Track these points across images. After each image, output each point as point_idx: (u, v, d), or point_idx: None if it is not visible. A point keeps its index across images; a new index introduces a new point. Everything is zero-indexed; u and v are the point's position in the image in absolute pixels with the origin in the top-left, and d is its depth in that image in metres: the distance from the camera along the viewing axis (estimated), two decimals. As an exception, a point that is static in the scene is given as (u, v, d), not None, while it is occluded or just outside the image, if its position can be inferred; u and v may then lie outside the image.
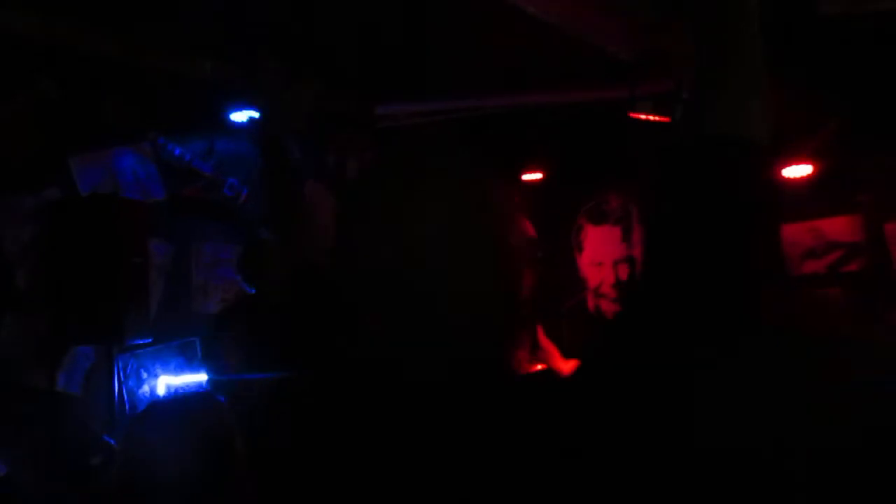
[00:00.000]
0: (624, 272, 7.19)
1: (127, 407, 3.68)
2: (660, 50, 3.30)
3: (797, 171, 4.92)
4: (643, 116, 3.48)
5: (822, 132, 4.76)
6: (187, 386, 3.39)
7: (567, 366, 4.37)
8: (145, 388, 3.89)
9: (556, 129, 5.65)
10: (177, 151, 4.05)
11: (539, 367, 4.34)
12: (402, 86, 4.93)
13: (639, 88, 3.41)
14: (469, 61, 4.65)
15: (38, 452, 3.14)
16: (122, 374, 3.65)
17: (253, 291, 3.32)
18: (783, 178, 4.99)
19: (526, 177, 6.06)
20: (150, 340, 3.35)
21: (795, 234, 5.24)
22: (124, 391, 3.67)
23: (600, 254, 6.92)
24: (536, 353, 4.42)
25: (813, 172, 5.01)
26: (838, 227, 5.18)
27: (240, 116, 4.20)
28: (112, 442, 3.14)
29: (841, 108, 4.76)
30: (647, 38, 3.28)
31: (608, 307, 7.42)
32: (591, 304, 7.26)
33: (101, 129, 3.79)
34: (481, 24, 4.30)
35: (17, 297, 3.48)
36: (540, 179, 6.05)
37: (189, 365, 4.05)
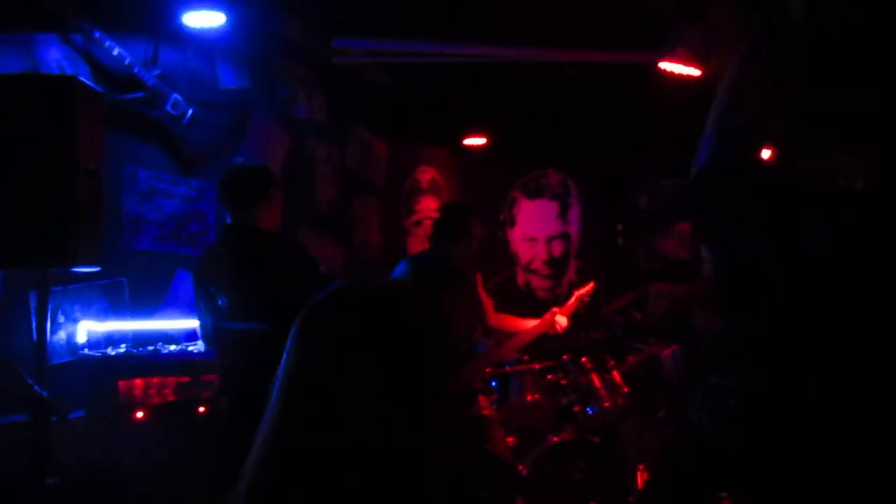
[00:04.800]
0: (558, 249, 7.02)
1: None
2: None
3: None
4: (673, 69, 3.28)
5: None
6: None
7: (525, 324, 4.05)
8: (61, 334, 3.17)
9: (504, 91, 5.39)
10: (114, 51, 3.33)
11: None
12: (363, 21, 4.44)
13: (673, 39, 3.20)
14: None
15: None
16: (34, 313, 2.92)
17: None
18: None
19: (468, 141, 5.74)
20: (98, 269, 2.67)
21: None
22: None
23: (534, 229, 6.80)
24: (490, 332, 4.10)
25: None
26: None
27: (193, 20, 3.55)
28: (44, 394, 2.47)
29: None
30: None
31: (539, 283, 7.22)
32: (520, 279, 7.03)
33: (25, 7, 3.03)
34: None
35: None
36: (483, 145, 5.76)
37: (115, 309, 3.36)
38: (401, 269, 3.50)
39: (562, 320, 3.74)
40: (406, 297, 1.21)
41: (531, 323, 3.82)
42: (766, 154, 5.05)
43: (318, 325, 1.16)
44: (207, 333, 2.73)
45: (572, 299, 3.83)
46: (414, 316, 1.19)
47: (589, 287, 3.87)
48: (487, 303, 3.94)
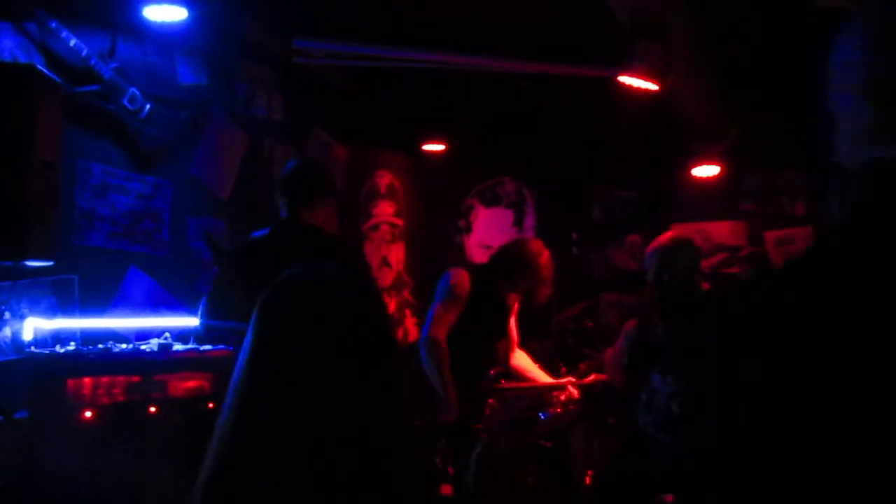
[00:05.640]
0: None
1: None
2: (656, 15, 3.18)
3: (706, 171, 5.13)
4: (632, 83, 3.36)
5: (728, 136, 5.00)
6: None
7: (540, 375, 4.17)
8: (7, 331, 3.07)
9: (463, 99, 5.43)
10: (71, 42, 3.25)
11: None
12: (324, 23, 4.43)
13: (632, 52, 3.28)
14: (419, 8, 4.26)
15: None
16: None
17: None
18: (692, 177, 5.18)
19: (427, 147, 5.76)
20: (52, 264, 2.60)
21: (685, 234, 5.45)
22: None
23: (490, 236, 6.86)
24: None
25: (706, 178, 5.25)
26: (724, 230, 5.49)
27: (154, 14, 3.48)
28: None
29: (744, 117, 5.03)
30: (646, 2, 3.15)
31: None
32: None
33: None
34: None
35: None
36: (441, 152, 5.79)
37: (63, 306, 3.27)
38: (454, 276, 3.49)
39: (573, 392, 3.86)
40: (357, 280, 1.23)
41: (545, 377, 3.97)
42: (715, 169, 5.22)
43: (275, 310, 1.16)
44: (235, 328, 2.71)
45: (591, 378, 3.96)
46: (366, 297, 1.20)
47: (604, 375, 4.01)
48: (514, 335, 4.02)
